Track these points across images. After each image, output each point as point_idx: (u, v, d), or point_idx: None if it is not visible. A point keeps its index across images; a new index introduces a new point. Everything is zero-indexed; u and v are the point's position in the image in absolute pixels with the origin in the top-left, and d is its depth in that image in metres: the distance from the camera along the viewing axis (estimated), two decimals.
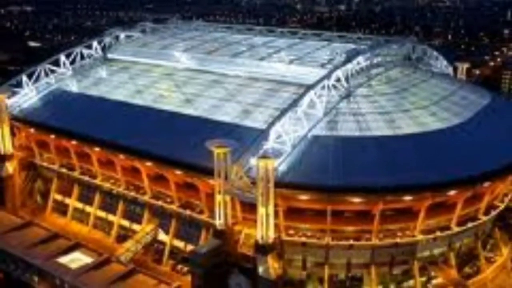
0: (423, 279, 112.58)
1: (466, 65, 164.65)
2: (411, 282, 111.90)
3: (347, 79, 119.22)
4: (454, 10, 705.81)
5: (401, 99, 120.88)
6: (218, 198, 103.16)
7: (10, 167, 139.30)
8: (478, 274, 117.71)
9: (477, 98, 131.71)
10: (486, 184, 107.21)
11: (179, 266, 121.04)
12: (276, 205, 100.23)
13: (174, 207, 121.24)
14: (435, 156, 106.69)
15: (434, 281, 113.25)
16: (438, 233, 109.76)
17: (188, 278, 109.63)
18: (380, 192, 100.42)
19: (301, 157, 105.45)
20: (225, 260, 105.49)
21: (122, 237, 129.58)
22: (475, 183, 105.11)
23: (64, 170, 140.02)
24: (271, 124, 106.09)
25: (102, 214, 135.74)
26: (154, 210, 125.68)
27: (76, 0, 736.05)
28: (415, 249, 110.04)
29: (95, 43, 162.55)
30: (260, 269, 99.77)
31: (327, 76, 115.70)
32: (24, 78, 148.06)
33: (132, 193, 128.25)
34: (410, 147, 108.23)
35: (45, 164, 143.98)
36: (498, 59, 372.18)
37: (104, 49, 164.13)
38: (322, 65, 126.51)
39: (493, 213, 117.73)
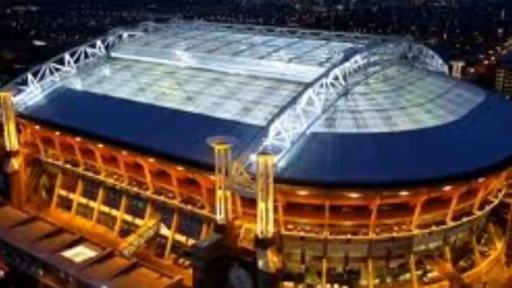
0: (419, 272, 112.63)
1: (461, 64, 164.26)
2: (407, 275, 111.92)
3: (344, 77, 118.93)
4: (449, 10, 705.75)
5: (397, 96, 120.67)
6: (219, 193, 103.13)
7: (16, 163, 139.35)
8: (472, 268, 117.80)
9: (472, 96, 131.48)
10: (481, 179, 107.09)
11: (181, 260, 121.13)
12: (275, 200, 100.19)
13: (176, 202, 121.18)
14: (431, 153, 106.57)
15: (429, 275, 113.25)
16: (434, 228, 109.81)
17: (190, 271, 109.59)
18: (377, 188, 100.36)
19: (300, 154, 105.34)
20: (226, 254, 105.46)
21: (125, 231, 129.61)
22: (469, 178, 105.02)
23: (68, 166, 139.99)
24: (271, 121, 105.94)
25: (105, 209, 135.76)
26: (156, 205, 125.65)
27: (80, 0, 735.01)
28: (411, 243, 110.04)
29: (98, 42, 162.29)
30: (260, 263, 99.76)
31: (325, 74, 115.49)
32: (30, 76, 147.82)
33: (135, 189, 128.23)
34: (406, 143, 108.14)
35: (50, 160, 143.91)
36: (492, 58, 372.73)
37: (107, 48, 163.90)
38: (321, 64, 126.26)
39: (488, 208, 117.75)
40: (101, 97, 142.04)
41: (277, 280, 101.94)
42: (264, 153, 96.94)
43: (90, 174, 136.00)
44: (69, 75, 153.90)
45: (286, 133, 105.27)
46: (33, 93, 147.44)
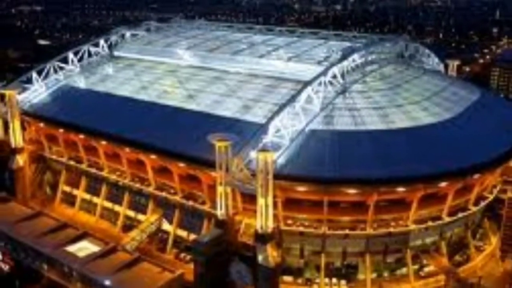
0: (416, 267, 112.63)
1: (456, 62, 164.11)
2: (404, 269, 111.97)
3: (342, 75, 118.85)
4: (445, 9, 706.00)
5: (394, 94, 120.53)
6: (220, 189, 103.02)
7: (21, 159, 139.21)
8: (468, 262, 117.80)
9: (467, 93, 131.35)
10: (476, 176, 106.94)
11: (182, 255, 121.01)
12: (275, 196, 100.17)
13: (177, 198, 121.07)
14: (427, 149, 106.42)
15: (426, 269, 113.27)
16: (430, 223, 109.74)
17: (191, 266, 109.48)
18: (375, 184, 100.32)
19: (299, 150, 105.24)
20: (226, 249, 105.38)
21: (128, 226, 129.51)
22: (465, 175, 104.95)
23: (72, 162, 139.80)
24: (270, 118, 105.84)
25: (108, 204, 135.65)
26: (158, 201, 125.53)
27: (84, 0, 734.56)
28: (408, 238, 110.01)
29: (102, 41, 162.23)
30: (260, 257, 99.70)
31: (324, 73, 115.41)
32: (34, 74, 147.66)
33: (137, 185, 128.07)
34: (403, 140, 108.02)
35: (54, 157, 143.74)
36: (487, 57, 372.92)
37: (110, 47, 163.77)
38: (319, 62, 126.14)
39: (483, 203, 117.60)
40: (104, 95, 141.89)
41: (276, 274, 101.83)
42: (263, 150, 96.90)
43: (93, 170, 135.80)
44: (72, 73, 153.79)
45: (285, 131, 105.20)
46: (38, 91, 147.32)
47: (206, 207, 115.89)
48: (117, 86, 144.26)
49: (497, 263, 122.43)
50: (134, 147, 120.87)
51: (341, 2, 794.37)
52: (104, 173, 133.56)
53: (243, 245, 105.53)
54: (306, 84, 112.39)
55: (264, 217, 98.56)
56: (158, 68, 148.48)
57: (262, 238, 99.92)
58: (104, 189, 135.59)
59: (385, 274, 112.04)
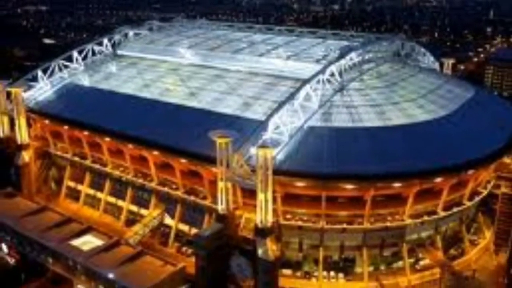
0: (412, 260, 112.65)
1: (451, 61, 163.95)
2: (400, 263, 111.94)
3: (340, 74, 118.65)
4: (440, 9, 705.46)
5: (391, 92, 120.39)
6: (220, 184, 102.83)
7: (26, 156, 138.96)
8: (462, 256, 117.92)
9: (462, 91, 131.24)
10: (470, 171, 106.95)
11: (184, 248, 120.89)
12: (274, 191, 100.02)
13: (179, 193, 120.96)
14: (423, 146, 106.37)
15: (421, 262, 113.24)
16: (426, 218, 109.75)
17: (192, 259, 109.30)
18: (372, 179, 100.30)
19: (298, 147, 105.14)
20: (227, 243, 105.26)
21: (131, 221, 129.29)
22: (460, 170, 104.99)
23: (76, 158, 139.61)
24: (270, 116, 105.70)
25: (112, 199, 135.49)
26: (161, 196, 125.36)
27: (88, 0, 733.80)
28: (404, 233, 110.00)
29: (105, 40, 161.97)
30: (260, 251, 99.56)
31: (322, 71, 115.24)
32: (40, 73, 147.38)
33: (140, 180, 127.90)
34: (400, 137, 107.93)
35: (59, 153, 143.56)
36: (481, 55, 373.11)
37: (114, 46, 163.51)
38: (317, 61, 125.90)
39: (477, 199, 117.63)
40: (107, 93, 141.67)
41: (276, 267, 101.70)
42: (263, 146, 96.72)
43: (97, 166, 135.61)
44: (77, 71, 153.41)
45: (284, 127, 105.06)
46: (43, 89, 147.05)
47: (207, 202, 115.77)
48: (120, 84, 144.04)
49: (491, 256, 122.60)
50: (137, 143, 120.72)
51: (339, 2, 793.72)
52: (107, 169, 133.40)
53: (243, 239, 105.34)
54: (305, 82, 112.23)
55: (263, 211, 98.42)
56: (160, 67, 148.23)
57: (261, 232, 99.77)
58: (107, 184, 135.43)
59: (382, 267, 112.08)
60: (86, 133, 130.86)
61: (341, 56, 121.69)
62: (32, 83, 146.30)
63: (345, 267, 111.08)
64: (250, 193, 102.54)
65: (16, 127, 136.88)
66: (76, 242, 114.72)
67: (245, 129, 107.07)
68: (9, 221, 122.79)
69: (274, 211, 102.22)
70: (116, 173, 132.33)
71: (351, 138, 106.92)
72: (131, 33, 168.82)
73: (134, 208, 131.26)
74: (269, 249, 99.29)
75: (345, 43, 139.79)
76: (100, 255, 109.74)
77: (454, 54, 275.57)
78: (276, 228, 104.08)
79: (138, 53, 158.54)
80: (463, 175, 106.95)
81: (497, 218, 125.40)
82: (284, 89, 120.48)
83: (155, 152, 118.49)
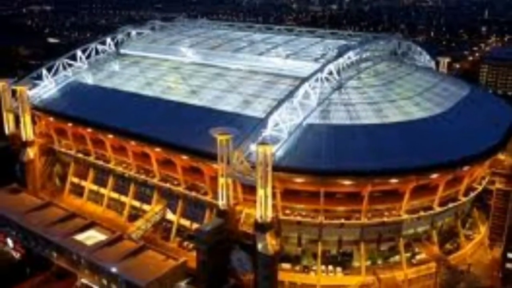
0: (408, 254, 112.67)
1: (447, 60, 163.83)
2: (397, 257, 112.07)
3: (338, 72, 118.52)
4: (436, 9, 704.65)
5: (388, 90, 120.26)
6: (221, 180, 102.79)
7: (31, 152, 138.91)
8: (458, 250, 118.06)
9: (457, 89, 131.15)
10: (465, 168, 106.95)
11: (185, 243, 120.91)
12: (273, 187, 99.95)
13: (180, 189, 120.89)
14: (419, 143, 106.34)
15: (418, 257, 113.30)
16: (422, 213, 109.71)
17: (194, 253, 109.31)
18: (369, 176, 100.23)
19: (297, 144, 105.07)
20: (227, 238, 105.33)
21: (133, 216, 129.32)
22: (455, 167, 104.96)
23: (80, 155, 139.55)
24: (269, 113, 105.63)
25: (115, 195, 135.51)
26: (163, 191, 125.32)
27: (92, 0, 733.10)
28: (400, 228, 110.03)
29: (108, 40, 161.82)
30: (259, 246, 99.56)
31: (320, 70, 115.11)
32: (44, 71, 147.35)
33: (143, 176, 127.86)
34: (396, 134, 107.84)
35: (63, 149, 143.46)
36: (476, 54, 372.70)
37: (117, 45, 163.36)
38: (316, 60, 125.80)
39: (472, 194, 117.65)
40: (110, 91, 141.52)
41: (275, 261, 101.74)
42: (263, 143, 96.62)
43: (100, 162, 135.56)
44: (81, 70, 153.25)
45: (283, 125, 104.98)
46: (48, 87, 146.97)
47: (208, 198, 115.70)
48: (123, 82, 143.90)
49: (486, 251, 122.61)
50: (139, 140, 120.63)
51: (337, 2, 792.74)
52: (110, 165, 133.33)
53: (243, 234, 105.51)
54: (304, 80, 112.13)
55: (263, 207, 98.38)
56: (162, 65, 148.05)
57: (261, 227, 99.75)
58: (110, 180, 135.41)
59: (379, 261, 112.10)
60: (89, 130, 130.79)
61: (339, 55, 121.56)
62: (36, 81, 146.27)
63: (343, 261, 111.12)
64: (250, 189, 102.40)
65: (21, 125, 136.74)
66: (79, 236, 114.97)
67: (245, 126, 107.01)
68: (15, 216, 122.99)
69: (274, 206, 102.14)
70: (119, 169, 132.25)
71: (348, 135, 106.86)
72: (133, 32, 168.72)
73: (136, 203, 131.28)
74: (268, 243, 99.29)
75: (343, 42, 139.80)
76: (103, 250, 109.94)
77: (450, 53, 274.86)
78: (276, 223, 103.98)
79: (140, 52, 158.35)
80: (458, 171, 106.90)
81: (491, 214, 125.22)
82: (284, 87, 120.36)
83: (157, 149, 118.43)
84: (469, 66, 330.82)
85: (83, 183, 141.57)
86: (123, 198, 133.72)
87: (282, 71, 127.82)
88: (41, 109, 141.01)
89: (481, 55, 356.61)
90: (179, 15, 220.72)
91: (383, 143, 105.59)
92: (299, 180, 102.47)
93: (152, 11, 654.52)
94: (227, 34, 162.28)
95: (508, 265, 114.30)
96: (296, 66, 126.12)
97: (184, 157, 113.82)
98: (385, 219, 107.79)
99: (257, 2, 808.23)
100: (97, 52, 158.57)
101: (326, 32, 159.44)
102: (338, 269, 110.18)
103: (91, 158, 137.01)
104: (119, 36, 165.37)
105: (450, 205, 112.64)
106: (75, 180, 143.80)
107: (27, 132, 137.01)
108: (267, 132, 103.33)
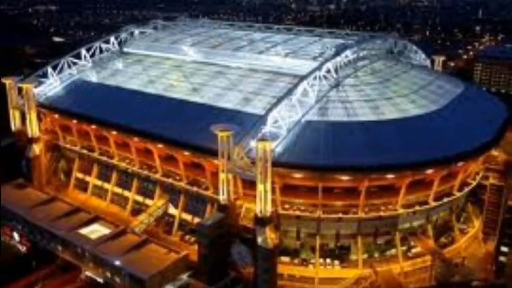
0: (404, 248, 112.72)
1: (442, 58, 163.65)
2: (393, 250, 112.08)
3: (336, 70, 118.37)
4: (431, 9, 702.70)
5: (384, 88, 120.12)
6: (222, 176, 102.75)
7: (37, 148, 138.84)
8: (452, 244, 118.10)
9: (452, 87, 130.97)
10: (460, 163, 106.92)
11: (187, 237, 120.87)
12: (273, 182, 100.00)
13: (182, 184, 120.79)
14: (415, 139, 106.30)
15: (413, 250, 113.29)
16: (417, 207, 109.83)
17: (195, 247, 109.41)
18: (366, 171, 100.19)
19: (295, 140, 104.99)
20: (228, 231, 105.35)
21: (136, 211, 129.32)
22: (450, 162, 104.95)
23: (84, 151, 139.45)
24: (269, 110, 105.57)
25: (118, 190, 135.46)
26: (165, 186, 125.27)
27: (96, 0, 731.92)
28: (396, 222, 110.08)
29: (112, 38, 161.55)
30: (259, 239, 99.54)
31: (319, 68, 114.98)
32: (49, 69, 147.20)
33: (145, 172, 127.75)
34: (393, 131, 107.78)
35: (68, 146, 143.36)
36: (471, 53, 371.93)
37: (120, 43, 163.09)
38: (314, 58, 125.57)
39: (466, 189, 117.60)
40: (114, 89, 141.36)
41: (274, 255, 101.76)
42: (263, 139, 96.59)
43: (104, 158, 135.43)
44: (85, 68, 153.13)
45: (283, 121, 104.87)
46: (53, 85, 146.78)
47: (209, 193, 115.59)
48: (126, 80, 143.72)
49: (480, 244, 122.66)
50: (142, 136, 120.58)
51: (334, 2, 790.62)
52: (114, 161, 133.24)
53: (243, 228, 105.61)
54: (302, 78, 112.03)
55: (263, 202, 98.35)
56: (164, 64, 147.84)
57: (261, 221, 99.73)
58: (114, 175, 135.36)
59: (376, 254, 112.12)
60: (93, 127, 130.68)
61: (337, 53, 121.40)
62: (42, 79, 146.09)
63: (340, 254, 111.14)
64: (250, 184, 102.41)
65: (27, 121, 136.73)
66: (84, 230, 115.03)
67: (245, 123, 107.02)
68: (21, 210, 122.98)
69: (273, 201, 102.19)
70: (123, 165, 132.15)
71: (346, 132, 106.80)
72: (136, 31, 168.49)
73: (139, 198, 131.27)
74: (268, 237, 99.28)
75: (340, 41, 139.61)
76: (107, 243, 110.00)
77: (445, 51, 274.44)
78: (275, 218, 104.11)
79: (143, 51, 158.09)
80: (453, 167, 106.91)
81: (485, 208, 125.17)
82: (283, 85, 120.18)
83: (160, 145, 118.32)
84: (463, 65, 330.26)
85: (88, 178, 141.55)
86: (126, 193, 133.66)
87: (281, 69, 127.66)
88: (47, 106, 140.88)
89: (475, 53, 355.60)
90: (181, 15, 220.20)
91: (379, 140, 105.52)
92: (297, 175, 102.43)
93: (154, 11, 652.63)
94: (227, 33, 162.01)
95: (501, 258, 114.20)
96: (295, 64, 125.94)
97: (186, 153, 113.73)
98: (382, 213, 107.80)
99: (257, 2, 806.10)
100: (101, 51, 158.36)
101: (324, 31, 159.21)
102: (336, 262, 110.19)
103: (95, 154, 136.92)
104: (123, 35, 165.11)
105: (445, 200, 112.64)
106: (80, 175, 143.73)
107: (33, 128, 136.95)
108: (267, 128, 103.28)
